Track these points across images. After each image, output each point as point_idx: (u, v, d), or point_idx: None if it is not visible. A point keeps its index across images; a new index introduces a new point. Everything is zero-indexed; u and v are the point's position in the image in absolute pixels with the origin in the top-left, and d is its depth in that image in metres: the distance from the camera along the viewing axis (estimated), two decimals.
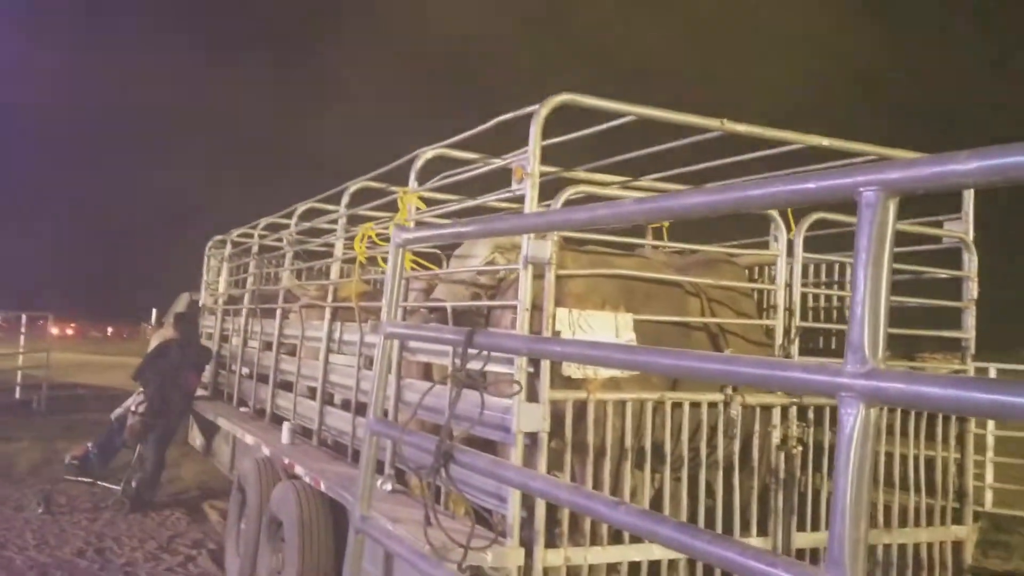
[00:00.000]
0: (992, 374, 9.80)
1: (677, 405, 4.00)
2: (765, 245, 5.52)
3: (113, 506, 8.62)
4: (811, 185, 1.56)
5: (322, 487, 5.10)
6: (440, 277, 4.76)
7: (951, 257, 4.99)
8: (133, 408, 9.05)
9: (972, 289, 4.85)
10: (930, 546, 4.58)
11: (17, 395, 16.35)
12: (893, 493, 4.46)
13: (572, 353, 2.32)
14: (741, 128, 4.23)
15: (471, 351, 2.60)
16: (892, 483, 4.47)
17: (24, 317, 17.47)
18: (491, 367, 3.68)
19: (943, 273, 4.99)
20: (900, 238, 5.15)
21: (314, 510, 5.25)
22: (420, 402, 3.22)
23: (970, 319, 4.84)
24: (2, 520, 8.07)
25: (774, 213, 4.59)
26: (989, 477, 9.49)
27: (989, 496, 9.41)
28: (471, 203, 4.59)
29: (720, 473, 4.08)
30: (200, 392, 9.68)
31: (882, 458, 4.48)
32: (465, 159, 4.89)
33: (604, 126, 4.20)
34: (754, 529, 4.11)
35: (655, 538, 1.76)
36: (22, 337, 17.56)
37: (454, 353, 3.66)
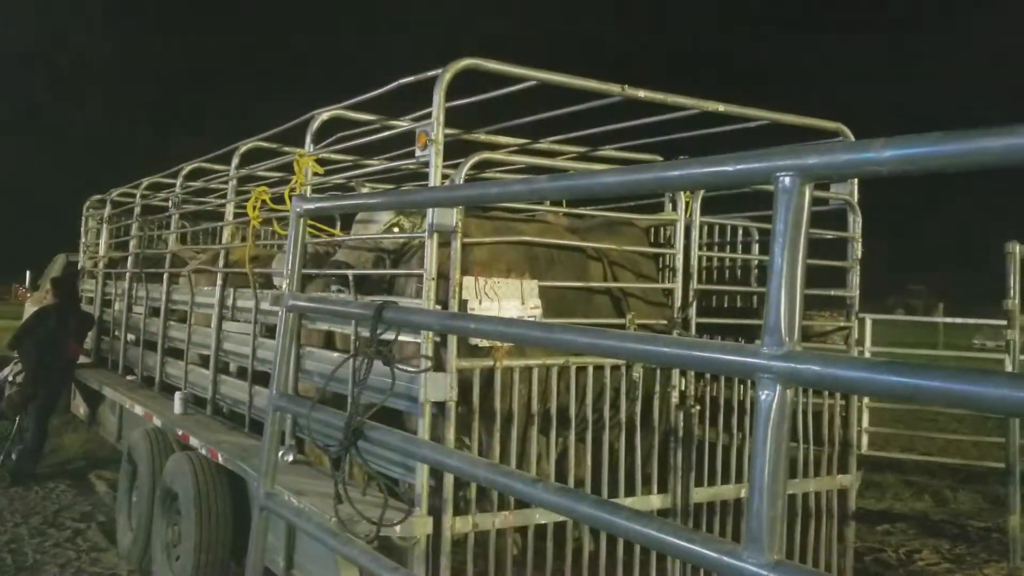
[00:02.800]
0: (868, 325, 10.39)
1: (582, 369, 4.06)
2: (660, 207, 5.63)
3: None
4: (730, 168, 1.57)
5: (219, 459, 4.96)
6: (342, 242, 4.64)
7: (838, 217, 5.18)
8: (10, 378, 8.57)
9: (857, 249, 5.07)
10: (817, 495, 4.84)
11: None
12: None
13: (487, 330, 2.30)
14: (641, 94, 4.26)
15: (386, 325, 2.54)
16: (795, 437, 4.68)
17: None
18: (402, 337, 3.64)
19: (830, 234, 5.19)
20: None
21: (211, 482, 5.11)
22: (331, 376, 3.14)
23: (855, 278, 5.07)
24: None
25: None
26: (865, 421, 10.11)
27: (865, 440, 10.03)
28: (372, 168, 4.47)
29: (623, 433, 4.18)
30: (82, 360, 9.23)
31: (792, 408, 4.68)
32: (365, 121, 4.75)
33: (507, 90, 4.15)
34: (655, 486, 4.24)
35: (575, 515, 1.77)
36: None
37: (359, 323, 3.59)
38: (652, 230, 5.56)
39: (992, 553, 6.46)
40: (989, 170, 1.26)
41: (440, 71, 3.60)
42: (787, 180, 1.48)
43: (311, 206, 3.00)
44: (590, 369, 4.08)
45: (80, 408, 9.59)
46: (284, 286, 3.01)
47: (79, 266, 10.72)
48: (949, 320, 14.61)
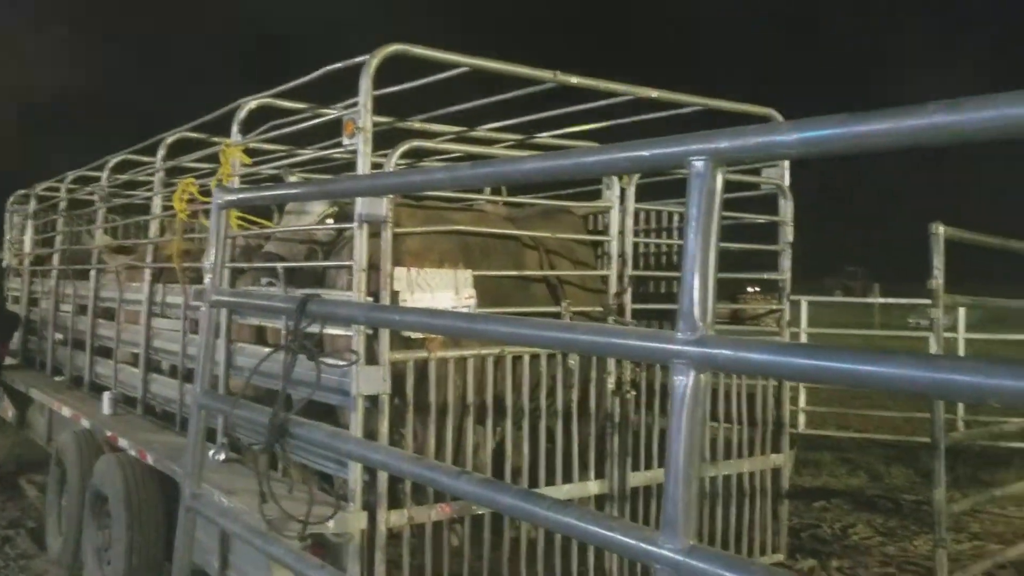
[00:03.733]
0: (803, 307, 10.60)
1: (518, 358, 4.04)
2: (598, 194, 5.63)
3: None
4: (645, 153, 1.56)
5: (149, 460, 4.83)
6: (271, 234, 4.54)
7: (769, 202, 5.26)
8: None
9: (788, 233, 5.14)
10: (751, 475, 4.91)
11: None
12: (718, 427, 4.74)
13: (412, 322, 2.26)
14: (573, 80, 4.24)
15: (311, 318, 2.48)
16: (716, 417, 4.74)
17: None
18: (332, 329, 3.57)
19: (761, 219, 5.26)
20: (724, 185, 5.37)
21: (141, 484, 4.98)
22: (254, 372, 3.06)
23: (786, 261, 5.15)
24: None
25: None
26: (802, 401, 10.33)
27: (802, 419, 10.26)
28: (300, 157, 4.37)
29: (560, 421, 4.18)
30: (9, 361, 8.90)
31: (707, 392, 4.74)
32: (293, 110, 4.64)
33: (437, 77, 4.09)
34: (592, 472, 4.26)
35: (497, 507, 1.75)
36: None
37: (288, 318, 3.51)
38: (590, 218, 5.57)
39: (923, 525, 6.65)
40: (898, 152, 1.27)
41: (367, 57, 3.53)
42: (699, 164, 1.48)
43: (233, 197, 2.92)
44: (526, 358, 4.06)
45: (8, 411, 9.27)
46: (207, 280, 2.92)
47: (3, 264, 10.34)
48: (884, 301, 15.02)
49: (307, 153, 4.50)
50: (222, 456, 4.40)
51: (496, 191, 5.61)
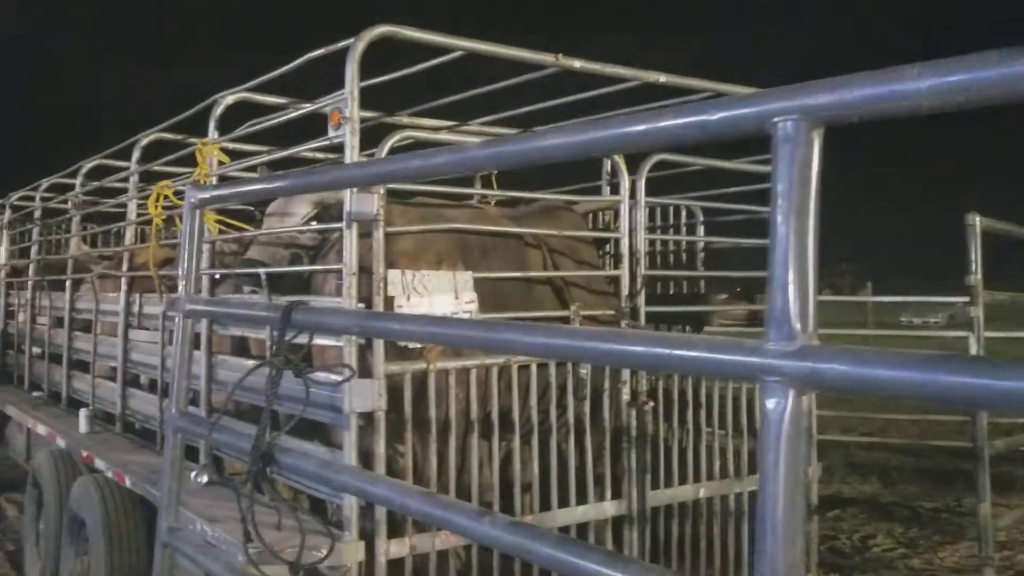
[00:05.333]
0: None
1: (523, 367, 3.71)
2: (597, 191, 5.31)
3: None
4: (712, 117, 1.24)
5: (127, 483, 4.49)
6: (252, 238, 4.20)
7: None
8: None
9: None
10: None
11: None
12: (742, 439, 4.41)
13: (414, 332, 1.93)
14: (577, 64, 3.93)
15: (297, 329, 2.16)
16: (741, 429, 4.42)
17: None
18: (320, 340, 3.23)
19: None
20: (731, 178, 5.04)
21: (121, 508, 4.67)
22: (235, 389, 2.73)
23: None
24: None
25: (616, 156, 4.35)
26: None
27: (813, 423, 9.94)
28: (281, 154, 4.03)
29: (571, 435, 3.84)
30: None
31: (730, 403, 4.41)
32: (274, 104, 4.31)
33: (430, 63, 3.77)
34: (608, 491, 3.92)
35: (532, 558, 1.43)
36: None
37: (272, 329, 3.18)
38: (591, 215, 5.25)
39: (946, 535, 6.36)
40: None
41: (352, 40, 3.20)
42: (788, 126, 1.16)
43: (207, 195, 2.58)
44: (533, 367, 3.73)
45: None
46: (180, 288, 2.59)
47: None
48: (877, 299, 14.72)
49: (289, 151, 4.15)
50: (204, 479, 4.05)
51: (488, 187, 5.28)
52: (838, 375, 1.06)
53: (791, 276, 1.13)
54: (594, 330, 1.43)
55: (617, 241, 4.33)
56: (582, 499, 3.84)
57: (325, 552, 2.80)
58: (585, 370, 3.87)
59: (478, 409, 3.59)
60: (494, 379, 3.63)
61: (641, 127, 1.37)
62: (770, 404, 1.12)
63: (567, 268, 4.35)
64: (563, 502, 3.78)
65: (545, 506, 3.75)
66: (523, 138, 1.66)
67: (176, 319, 2.60)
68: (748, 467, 4.39)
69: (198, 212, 2.60)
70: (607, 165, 5.20)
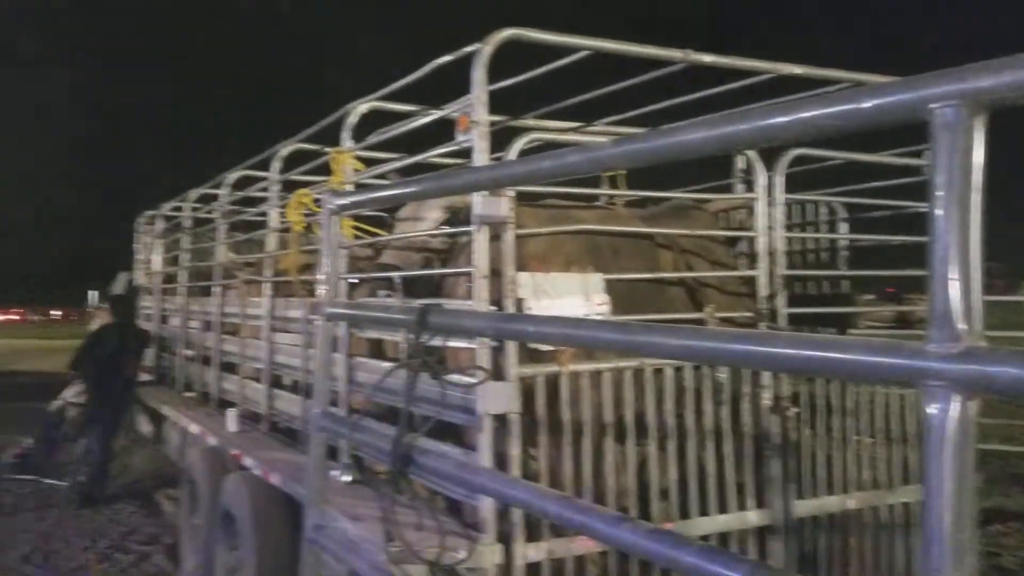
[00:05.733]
0: None
1: (658, 371, 3.64)
2: (728, 189, 5.16)
3: (61, 504, 8.13)
4: (864, 105, 1.17)
5: (273, 480, 4.68)
6: (386, 243, 4.31)
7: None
8: (71, 399, 8.53)
9: None
10: None
11: None
12: (894, 447, 4.16)
13: (548, 333, 1.92)
14: (707, 59, 3.83)
15: (432, 331, 2.19)
16: (892, 436, 4.18)
17: None
18: (453, 343, 3.27)
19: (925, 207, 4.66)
20: (878, 171, 4.77)
21: (269, 504, 4.83)
22: (373, 390, 2.80)
23: None
24: None
25: (751, 152, 4.21)
26: None
27: None
28: (411, 160, 4.11)
29: (710, 442, 3.73)
30: (144, 377, 9.15)
31: (880, 408, 4.18)
32: (404, 112, 4.40)
33: (558, 63, 3.76)
34: (750, 501, 3.78)
35: (674, 567, 1.38)
36: None
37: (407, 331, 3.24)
38: (721, 214, 5.11)
39: None
40: None
41: (478, 46, 3.23)
42: (948, 112, 1.07)
43: (344, 201, 2.66)
44: (668, 371, 3.65)
45: (145, 426, 9.53)
46: (321, 292, 2.68)
47: (135, 283, 10.70)
48: None
49: (418, 157, 4.24)
50: (347, 478, 4.18)
51: (615, 188, 5.22)
52: (1012, 380, 0.98)
53: (954, 273, 1.05)
54: (740, 332, 1.37)
55: (752, 240, 4.19)
56: (723, 508, 3.73)
57: (464, 553, 2.84)
58: (723, 374, 3.76)
59: (612, 413, 3.54)
60: (628, 383, 3.57)
61: (784, 118, 1.30)
62: (932, 410, 1.04)
63: (700, 269, 4.24)
64: (703, 511, 3.68)
65: (684, 514, 3.66)
66: (656, 134, 1.62)
67: (318, 322, 2.69)
68: (902, 476, 4.14)
69: (336, 218, 2.69)
70: (740, 162, 5.05)
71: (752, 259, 4.18)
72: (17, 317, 59.47)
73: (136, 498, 8.50)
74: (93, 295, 12.61)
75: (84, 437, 8.49)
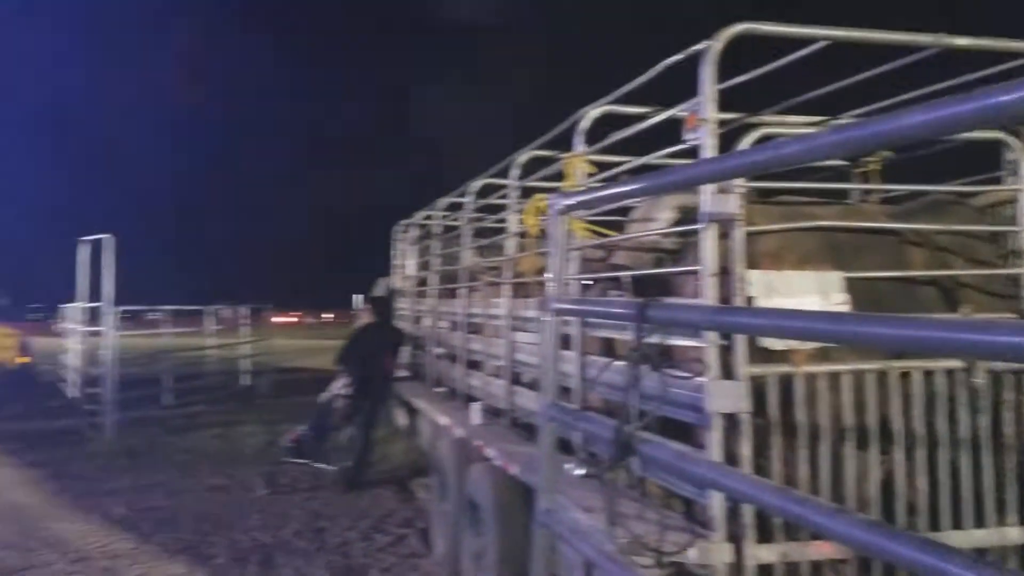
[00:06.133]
0: None
1: (904, 375, 3.41)
2: (996, 181, 4.69)
3: (329, 486, 8.98)
4: None
5: (512, 471, 4.90)
6: (616, 243, 4.38)
7: None
8: (338, 391, 9.39)
9: None
10: None
11: (244, 381, 17.67)
12: None
13: (765, 325, 1.89)
14: (963, 42, 3.52)
15: (652, 324, 2.23)
16: None
17: (247, 309, 18.83)
18: (679, 340, 3.27)
19: None
20: None
21: (509, 493, 5.06)
22: (594, 383, 2.88)
23: None
24: (233, 500, 8.63)
25: (1013, 139, 3.83)
26: None
27: None
28: (639, 162, 4.15)
29: (966, 452, 3.43)
30: (401, 373, 9.89)
31: None
32: (634, 114, 4.45)
33: (793, 56, 3.64)
34: (1012, 517, 3.43)
35: (886, 556, 1.32)
36: (244, 328, 18.93)
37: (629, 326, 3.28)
38: (989, 209, 4.65)
39: None
40: None
41: (708, 43, 3.21)
42: None
43: (571, 201, 2.77)
44: (916, 375, 3.40)
45: (401, 419, 10.30)
46: (548, 289, 2.80)
47: (392, 287, 11.60)
48: None
49: (646, 159, 4.26)
50: (580, 471, 4.29)
51: (869, 183, 4.92)
52: None
53: None
54: (996, 322, 1.26)
55: (1017, 236, 3.80)
56: (980, 522, 3.42)
57: (693, 550, 2.84)
58: (981, 379, 3.45)
59: (852, 417, 3.36)
60: (870, 386, 3.38)
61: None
62: None
63: (957, 267, 3.91)
64: (956, 524, 3.40)
65: (934, 527, 3.40)
66: (876, 121, 1.54)
67: (545, 317, 2.82)
68: None
69: (564, 218, 2.80)
70: (1008, 152, 4.59)
71: (1018, 256, 3.80)
72: (296, 320, 65.77)
73: (394, 484, 9.18)
74: (357, 298, 13.76)
75: (349, 426, 9.33)
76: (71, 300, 13.73)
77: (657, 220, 4.24)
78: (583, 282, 4.58)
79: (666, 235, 4.13)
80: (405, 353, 10.07)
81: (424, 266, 10.05)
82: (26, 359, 14.94)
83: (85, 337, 13.77)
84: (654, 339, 2.30)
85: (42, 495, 8.93)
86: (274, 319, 26.21)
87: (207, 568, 6.59)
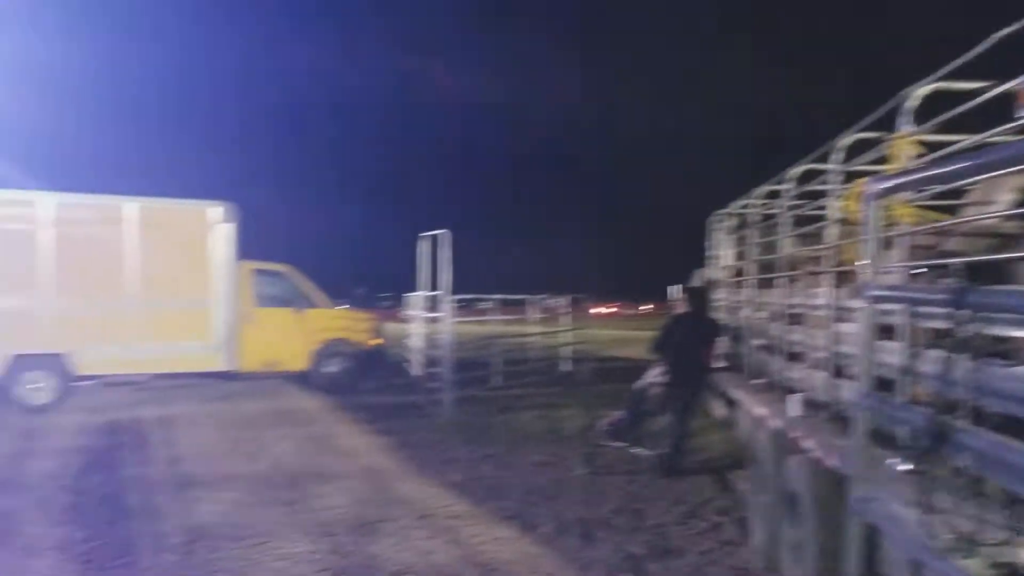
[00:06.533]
0: None
1: None
2: None
3: (646, 470, 9.24)
4: None
5: (830, 463, 4.80)
6: (948, 228, 4.12)
7: None
8: (653, 379, 9.61)
9: None
10: None
11: (565, 367, 18.69)
12: None
13: None
14: None
15: (972, 311, 2.16)
16: None
17: (568, 299, 19.91)
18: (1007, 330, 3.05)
19: None
20: None
21: (830, 486, 4.94)
22: (905, 371, 2.80)
23: None
24: (554, 476, 9.21)
25: None
26: None
27: None
28: (969, 142, 3.86)
29: None
30: (719, 364, 9.89)
31: None
32: (965, 91, 4.13)
33: None
34: None
35: None
36: (565, 317, 19.99)
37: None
38: None
39: None
40: None
41: None
42: None
43: (887, 184, 2.73)
44: None
45: (719, 411, 10.29)
46: (862, 276, 2.79)
47: (709, 277, 11.59)
48: None
49: (977, 138, 3.92)
50: (906, 466, 4.12)
51: None
52: None
53: None
54: None
55: None
56: None
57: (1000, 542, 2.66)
58: None
59: None
60: None
61: None
62: None
63: None
64: None
65: None
66: None
67: (860, 305, 2.80)
68: None
69: (879, 203, 2.76)
70: None
71: None
72: (614, 310, 67.21)
73: (711, 474, 9.17)
74: (673, 289, 13.91)
75: (665, 413, 9.51)
76: (414, 289, 15.29)
77: (996, 203, 3.94)
78: (911, 271, 4.37)
79: (1007, 218, 3.82)
80: (721, 344, 10.04)
81: (741, 256, 9.96)
82: (379, 341, 16.96)
83: (426, 323, 15.32)
84: (977, 328, 2.23)
85: (393, 460, 10.17)
86: (592, 310, 27.23)
87: (534, 535, 7.13)
